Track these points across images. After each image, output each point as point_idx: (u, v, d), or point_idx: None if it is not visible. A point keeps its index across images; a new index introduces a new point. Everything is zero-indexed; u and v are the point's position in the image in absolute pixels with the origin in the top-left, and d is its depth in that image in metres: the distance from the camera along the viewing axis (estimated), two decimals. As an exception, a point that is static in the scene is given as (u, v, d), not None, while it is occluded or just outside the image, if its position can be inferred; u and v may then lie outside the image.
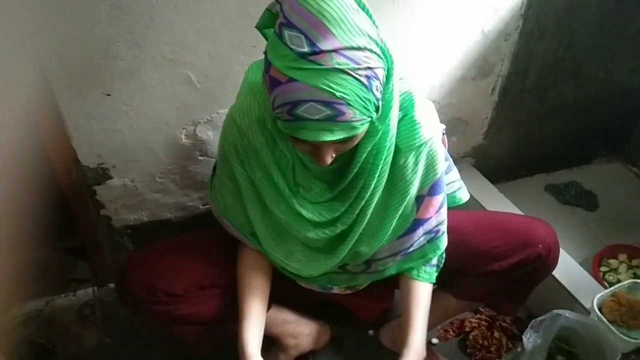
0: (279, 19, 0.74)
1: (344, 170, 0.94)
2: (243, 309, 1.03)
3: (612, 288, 1.34)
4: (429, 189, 1.01)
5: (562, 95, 1.78)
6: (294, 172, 0.97)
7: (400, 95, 0.92)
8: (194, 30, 1.14)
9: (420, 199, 1.01)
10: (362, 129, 0.79)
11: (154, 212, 1.43)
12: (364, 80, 0.74)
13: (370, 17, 0.77)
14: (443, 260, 1.13)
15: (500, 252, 1.12)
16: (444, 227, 1.08)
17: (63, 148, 1.22)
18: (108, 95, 1.16)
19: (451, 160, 1.11)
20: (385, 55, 0.78)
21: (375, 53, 0.75)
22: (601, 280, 1.58)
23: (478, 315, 1.48)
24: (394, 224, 1.01)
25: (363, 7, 0.76)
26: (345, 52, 0.72)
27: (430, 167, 0.99)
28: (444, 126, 1.03)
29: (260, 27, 0.84)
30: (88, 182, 1.30)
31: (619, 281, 1.56)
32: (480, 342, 1.43)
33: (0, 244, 1.15)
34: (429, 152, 0.97)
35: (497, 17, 1.44)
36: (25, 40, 1.06)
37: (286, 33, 0.72)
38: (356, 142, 0.84)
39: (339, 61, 0.71)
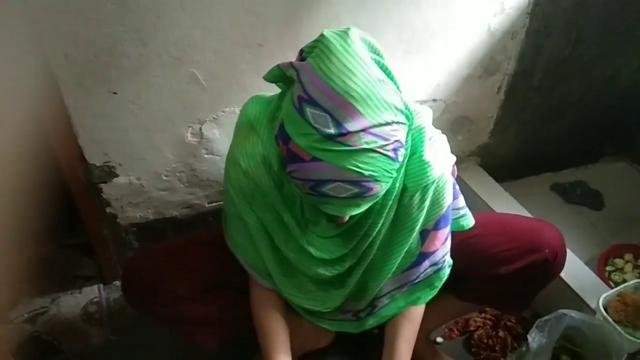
0: (297, 91, 0.71)
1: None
2: (271, 355, 1.01)
3: (617, 288, 1.33)
4: (435, 224, 0.98)
5: (569, 94, 1.77)
6: (301, 208, 0.94)
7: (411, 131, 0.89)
8: (200, 28, 1.14)
9: (425, 233, 0.98)
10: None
11: (160, 210, 1.43)
12: (391, 154, 0.72)
13: (393, 80, 0.75)
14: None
15: (506, 256, 1.10)
16: (448, 257, 1.06)
17: (69, 146, 1.23)
18: (114, 93, 1.17)
19: (457, 187, 1.08)
20: (408, 115, 0.75)
21: (401, 123, 0.73)
22: (607, 279, 1.57)
23: (483, 315, 1.48)
24: (399, 260, 0.99)
25: (386, 72, 0.74)
26: (373, 130, 0.69)
27: (436, 202, 0.95)
28: (454, 158, 0.99)
29: (269, 81, 0.81)
30: (94, 180, 1.30)
31: (624, 281, 1.56)
32: (485, 341, 1.43)
33: (6, 241, 1.16)
34: (436, 189, 0.94)
35: (504, 16, 1.43)
36: (31, 39, 1.06)
37: (309, 111, 0.69)
38: None
39: (367, 140, 0.69)
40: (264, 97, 0.93)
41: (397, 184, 0.89)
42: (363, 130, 0.68)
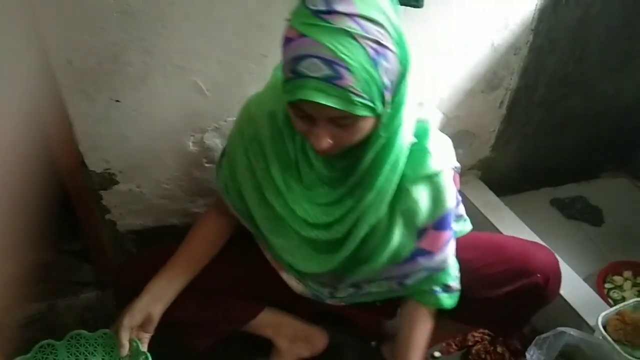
0: None
1: (346, 177, 0.94)
2: (165, 267, 1.05)
3: (617, 306, 1.33)
4: (435, 223, 0.97)
5: (571, 109, 1.78)
6: (298, 170, 0.97)
7: (417, 122, 0.91)
8: (204, 38, 1.14)
9: (423, 232, 0.97)
10: (361, 112, 0.77)
11: (160, 218, 1.43)
12: (371, 52, 0.73)
13: (396, 11, 0.78)
14: (457, 287, 1.09)
15: (496, 279, 1.09)
16: (446, 265, 1.04)
17: (70, 152, 1.22)
18: (117, 101, 1.16)
19: (460, 198, 1.08)
20: (401, 47, 0.78)
21: (390, 35, 0.75)
22: (605, 297, 1.57)
23: (481, 330, 1.47)
24: (392, 251, 0.98)
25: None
26: (358, 20, 0.72)
27: (437, 200, 0.95)
28: (458, 165, 1.00)
29: None
30: (94, 187, 1.30)
31: (623, 298, 1.55)
32: (483, 356, 1.42)
33: (4, 245, 1.16)
34: (436, 185, 0.94)
35: (508, 31, 1.44)
36: (35, 44, 1.06)
37: None
38: (356, 137, 0.83)
39: (350, 25, 0.72)
40: None
41: (391, 160, 0.88)
42: (349, 15, 0.72)
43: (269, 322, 1.25)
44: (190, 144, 1.30)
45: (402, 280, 1.04)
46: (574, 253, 1.69)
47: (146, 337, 1.03)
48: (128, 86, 1.15)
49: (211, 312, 1.15)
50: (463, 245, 1.12)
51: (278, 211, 0.99)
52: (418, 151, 0.91)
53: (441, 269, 1.04)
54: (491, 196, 1.72)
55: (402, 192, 0.93)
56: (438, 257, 1.01)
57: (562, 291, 1.32)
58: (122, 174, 1.29)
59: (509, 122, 1.68)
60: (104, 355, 1.08)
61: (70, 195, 1.31)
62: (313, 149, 0.89)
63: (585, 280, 1.47)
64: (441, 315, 1.23)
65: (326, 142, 0.81)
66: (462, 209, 1.10)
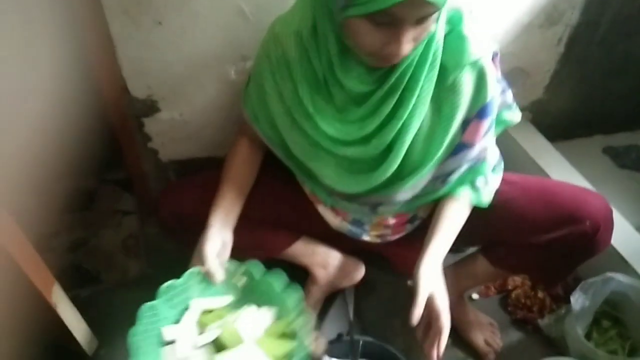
0: None
1: (380, 86, 0.88)
2: (219, 196, 1.04)
3: (670, 256, 1.27)
4: (478, 112, 0.93)
5: (633, 51, 1.66)
6: (328, 90, 0.92)
7: (449, 11, 0.87)
8: (250, -43, 1.09)
9: (466, 123, 0.94)
10: (444, 6, 0.74)
11: (201, 148, 1.42)
12: None
13: None
14: (496, 183, 1.05)
15: (542, 224, 1.03)
16: (485, 154, 1.00)
17: (113, 77, 1.21)
18: (159, 23, 1.13)
19: (506, 85, 1.02)
20: None
21: None
22: (656, 247, 1.51)
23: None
24: (441, 152, 0.95)
25: None
26: None
27: (480, 88, 0.90)
28: (495, 48, 0.94)
29: None
30: (136, 114, 1.29)
31: (675, 250, 1.49)
32: (523, 301, 1.40)
33: (50, 171, 1.17)
34: (479, 72, 0.89)
35: (572, -41, 1.33)
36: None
37: None
38: (426, 35, 0.80)
39: None
40: None
41: (431, 56, 0.85)
42: None
43: (305, 250, 1.25)
44: (233, 72, 1.27)
45: (446, 178, 1.01)
46: (625, 202, 1.61)
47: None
48: (171, 8, 1.12)
49: (248, 239, 1.13)
50: (511, 188, 1.07)
51: (310, 134, 0.97)
52: (455, 38, 0.87)
53: (481, 158, 1.00)
54: (542, 141, 1.65)
55: (444, 85, 0.89)
56: (478, 146, 0.97)
57: (611, 239, 1.28)
58: (164, 101, 1.28)
59: (566, 62, 1.58)
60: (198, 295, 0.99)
61: (112, 124, 1.31)
62: (345, 68, 0.86)
63: (637, 229, 1.41)
64: (480, 258, 1.21)
65: (408, 46, 0.78)
66: (510, 96, 1.03)
